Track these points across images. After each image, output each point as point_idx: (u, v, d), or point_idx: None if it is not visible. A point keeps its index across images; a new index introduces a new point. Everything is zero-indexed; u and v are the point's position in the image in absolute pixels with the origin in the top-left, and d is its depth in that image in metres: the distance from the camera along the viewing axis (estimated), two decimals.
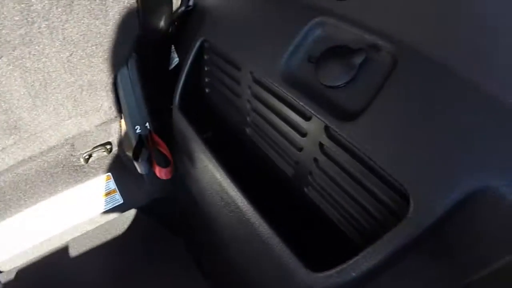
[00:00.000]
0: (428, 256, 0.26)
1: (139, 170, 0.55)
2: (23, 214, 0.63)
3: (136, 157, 0.54)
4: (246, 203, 0.39)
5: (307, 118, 0.33)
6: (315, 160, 0.33)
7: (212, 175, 0.47)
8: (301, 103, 0.32)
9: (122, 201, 0.68)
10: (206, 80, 0.53)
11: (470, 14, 0.26)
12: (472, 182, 0.22)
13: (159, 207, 0.75)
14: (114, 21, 0.46)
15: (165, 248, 0.95)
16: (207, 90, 0.55)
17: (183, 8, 0.55)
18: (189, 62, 0.50)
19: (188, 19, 0.58)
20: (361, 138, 0.27)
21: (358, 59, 0.27)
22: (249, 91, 0.40)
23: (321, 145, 0.32)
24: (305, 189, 0.37)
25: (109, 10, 0.45)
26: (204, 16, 0.51)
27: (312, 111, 0.31)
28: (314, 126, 0.32)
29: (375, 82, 0.27)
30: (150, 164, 0.55)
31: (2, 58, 0.43)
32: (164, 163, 0.54)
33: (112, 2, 0.45)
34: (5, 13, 0.39)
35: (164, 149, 0.54)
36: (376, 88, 0.27)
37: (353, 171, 0.29)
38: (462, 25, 0.26)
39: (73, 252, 0.84)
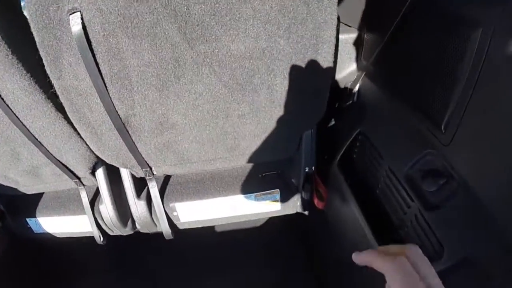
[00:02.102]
0: None
1: (302, 197, 0.98)
2: (215, 200, 1.01)
3: (302, 189, 0.97)
4: (370, 232, 0.78)
5: (411, 201, 0.69)
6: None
7: (351, 210, 0.86)
8: (409, 192, 0.69)
9: (279, 209, 1.10)
10: (356, 150, 0.93)
11: None
12: None
13: (299, 220, 1.16)
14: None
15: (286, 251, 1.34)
16: (354, 156, 0.94)
17: (350, 101, 0.95)
18: (348, 141, 0.90)
19: (349, 107, 0.97)
20: (439, 223, 0.61)
21: (441, 181, 0.63)
22: (385, 172, 0.78)
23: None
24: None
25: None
26: (363, 111, 0.90)
27: (413, 197, 0.67)
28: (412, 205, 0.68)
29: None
30: (311, 194, 0.97)
31: (250, 114, 0.80)
32: (321, 198, 0.95)
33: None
34: None
35: (321, 188, 0.95)
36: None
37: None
38: None
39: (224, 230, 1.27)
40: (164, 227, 1.00)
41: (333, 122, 1.06)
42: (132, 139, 0.77)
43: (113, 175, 0.95)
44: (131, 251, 1.54)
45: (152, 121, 0.74)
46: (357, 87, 0.91)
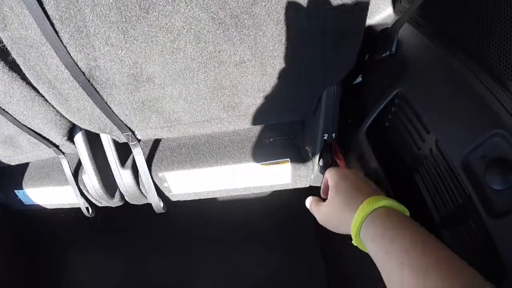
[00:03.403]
0: None
1: (318, 169, 0.82)
2: (212, 169, 0.92)
3: (319, 159, 0.82)
4: None
5: (466, 196, 0.53)
6: None
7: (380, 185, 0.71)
8: (466, 186, 0.52)
9: (289, 181, 0.97)
10: (389, 116, 0.75)
11: None
12: None
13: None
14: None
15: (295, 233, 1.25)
16: (387, 124, 0.77)
17: (387, 53, 0.76)
18: (382, 105, 0.72)
19: (384, 60, 0.78)
20: (502, 234, 0.46)
21: None
22: (429, 151, 0.61)
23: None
24: None
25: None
26: (403, 67, 0.72)
27: (472, 197, 0.51)
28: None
29: None
30: (327, 166, 0.82)
31: (251, 61, 0.64)
32: None
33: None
34: None
35: (341, 159, 0.79)
36: None
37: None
38: None
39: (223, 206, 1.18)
40: (153, 200, 0.95)
41: (360, 79, 0.88)
42: (102, 97, 0.70)
43: (95, 141, 0.90)
44: (122, 223, 1.56)
45: (121, 73, 0.65)
46: (397, 35, 0.73)
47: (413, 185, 0.67)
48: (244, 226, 1.48)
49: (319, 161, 0.82)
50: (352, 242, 0.49)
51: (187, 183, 0.96)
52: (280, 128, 0.95)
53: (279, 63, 0.66)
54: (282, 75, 0.69)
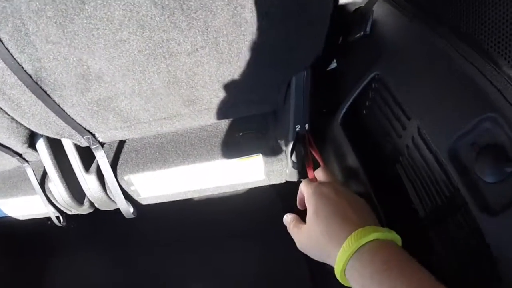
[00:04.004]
0: None
1: (291, 165, 0.76)
2: (179, 169, 0.87)
3: (291, 153, 0.76)
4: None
5: (454, 189, 0.48)
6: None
7: (357, 185, 0.65)
8: (453, 177, 0.47)
9: (263, 178, 0.91)
10: (367, 103, 0.69)
11: None
12: None
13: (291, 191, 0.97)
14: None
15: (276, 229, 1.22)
16: (364, 112, 0.71)
17: (361, 33, 0.70)
18: (357, 90, 0.66)
19: (359, 42, 0.72)
20: (496, 232, 0.41)
21: (509, 168, 0.40)
22: (411, 140, 0.55)
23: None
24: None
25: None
26: (380, 48, 0.66)
27: (460, 190, 0.45)
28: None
29: None
30: (302, 160, 0.75)
31: (205, 49, 0.58)
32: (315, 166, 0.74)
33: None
34: None
35: (315, 152, 0.73)
36: None
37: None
38: None
39: (204, 204, 1.14)
40: (121, 205, 0.91)
41: (334, 64, 0.83)
42: (54, 100, 0.66)
43: (58, 146, 0.86)
44: (101, 227, 1.55)
45: (68, 73, 0.61)
46: (371, 14, 0.68)
47: (395, 177, 0.62)
48: (225, 224, 1.47)
49: (291, 155, 0.76)
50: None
51: (155, 185, 0.91)
52: (251, 121, 0.89)
53: (236, 49, 0.60)
54: (242, 62, 0.62)
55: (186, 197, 0.97)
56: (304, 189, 0.57)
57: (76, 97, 0.66)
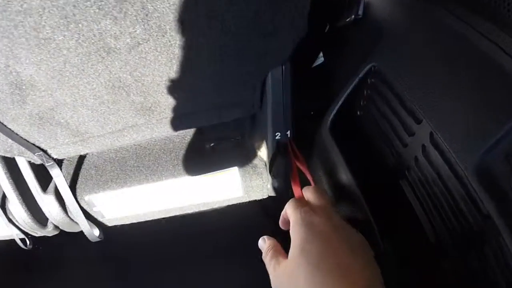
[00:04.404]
0: None
1: (274, 175, 0.63)
2: (143, 187, 0.78)
3: (271, 166, 0.63)
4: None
5: (481, 215, 0.36)
6: None
7: (350, 204, 0.53)
8: (480, 199, 0.34)
9: (241, 194, 0.78)
10: (361, 103, 0.57)
11: None
12: None
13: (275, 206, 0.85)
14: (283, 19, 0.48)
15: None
16: (358, 113, 0.58)
17: (352, 17, 0.57)
18: (351, 87, 0.54)
19: (350, 28, 0.60)
20: None
21: None
22: (421, 150, 0.43)
23: None
24: None
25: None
26: (376, 34, 0.53)
27: (491, 216, 0.33)
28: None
29: None
30: (286, 174, 0.62)
31: (148, 42, 0.47)
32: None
33: None
34: None
35: (301, 165, 0.60)
36: None
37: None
38: None
39: (181, 220, 1.02)
40: (84, 228, 0.83)
41: (321, 59, 0.70)
42: None
43: (15, 166, 0.80)
44: (69, 250, 1.45)
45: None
46: None
47: (400, 197, 0.49)
48: (205, 242, 1.36)
49: (270, 169, 0.63)
50: None
51: (120, 206, 0.82)
52: (224, 128, 0.77)
53: (189, 40, 0.48)
54: (199, 57, 0.50)
55: (157, 217, 0.88)
56: (290, 212, 0.46)
57: (14, 111, 0.59)
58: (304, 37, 0.51)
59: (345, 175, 0.53)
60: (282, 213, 0.51)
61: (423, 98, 0.42)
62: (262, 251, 0.49)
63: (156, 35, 0.46)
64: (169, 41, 0.47)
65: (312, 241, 0.40)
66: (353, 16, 0.57)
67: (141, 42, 0.46)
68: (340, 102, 0.56)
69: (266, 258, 0.47)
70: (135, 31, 0.45)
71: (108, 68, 0.50)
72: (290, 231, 0.44)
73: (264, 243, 0.49)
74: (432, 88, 0.41)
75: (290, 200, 0.48)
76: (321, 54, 0.71)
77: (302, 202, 0.47)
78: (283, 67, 0.54)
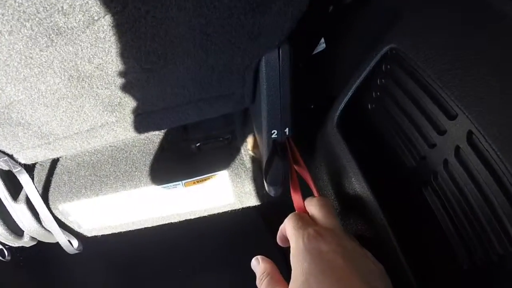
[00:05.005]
0: None
1: (269, 179, 0.54)
2: (119, 195, 0.71)
3: (266, 170, 0.54)
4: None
5: None
6: None
7: (363, 214, 0.44)
8: None
9: (233, 201, 0.71)
10: (375, 94, 0.48)
11: None
12: None
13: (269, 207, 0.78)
14: None
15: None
16: (369, 106, 0.50)
17: None
18: (363, 75, 0.45)
19: (362, 7, 0.52)
20: None
21: None
22: (454, 153, 0.34)
23: None
24: None
25: None
26: (395, 9, 0.45)
27: None
28: None
29: None
30: (283, 179, 0.54)
31: (104, 18, 0.38)
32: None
33: None
34: None
35: (302, 169, 0.51)
36: None
37: None
38: None
39: (168, 229, 0.95)
40: (60, 239, 0.78)
41: (322, 45, 0.62)
42: None
43: None
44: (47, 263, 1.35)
45: None
46: None
47: (423, 210, 0.41)
48: (196, 252, 1.30)
49: (265, 173, 0.54)
50: None
51: (97, 215, 0.76)
52: (212, 125, 0.70)
53: (160, 14, 0.38)
54: (172, 36, 0.41)
55: (140, 227, 0.81)
56: (290, 234, 0.38)
57: None
58: (304, 17, 0.42)
59: (357, 182, 0.45)
60: (281, 227, 0.44)
61: (460, 86, 0.33)
62: (256, 273, 0.42)
63: (115, 8, 0.37)
64: (133, 16, 0.37)
65: (318, 274, 0.32)
66: None
67: (96, 18, 0.37)
68: (349, 94, 0.47)
69: (261, 286, 0.39)
70: (87, 2, 0.36)
71: (61, 54, 0.42)
72: (291, 258, 0.36)
73: (258, 265, 0.42)
74: (472, 76, 0.33)
75: (290, 216, 0.40)
76: (322, 39, 0.63)
77: (305, 220, 0.39)
78: (280, 51, 0.46)
